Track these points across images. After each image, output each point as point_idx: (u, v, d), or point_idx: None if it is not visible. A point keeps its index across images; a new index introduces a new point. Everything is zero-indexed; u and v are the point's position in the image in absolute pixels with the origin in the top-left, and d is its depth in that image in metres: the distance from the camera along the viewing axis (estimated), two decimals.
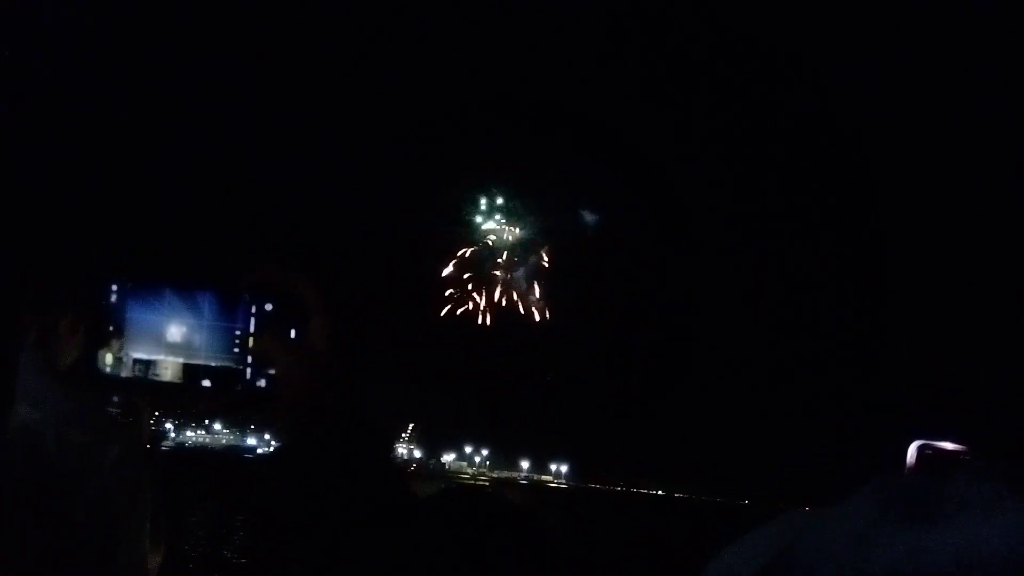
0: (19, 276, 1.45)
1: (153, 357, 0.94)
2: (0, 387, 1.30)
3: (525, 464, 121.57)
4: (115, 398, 1.56)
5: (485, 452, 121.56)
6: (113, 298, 0.94)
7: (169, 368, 0.94)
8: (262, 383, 0.92)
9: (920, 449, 0.72)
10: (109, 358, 0.94)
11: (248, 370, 0.92)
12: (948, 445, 0.71)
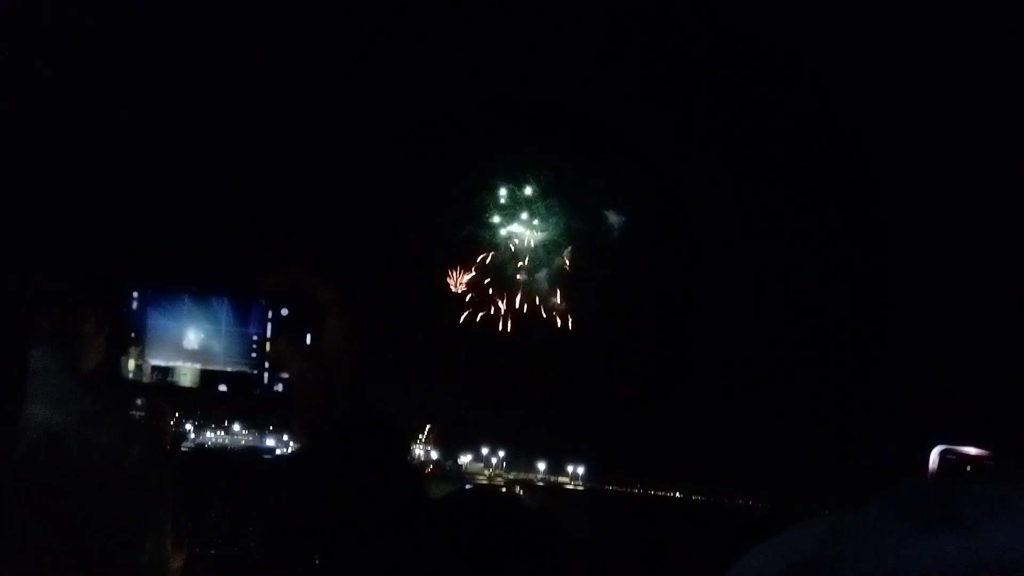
0: (26, 275, 1.46)
1: (172, 363, 0.95)
2: (12, 385, 1.32)
3: (542, 466, 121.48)
4: (138, 401, 1.57)
5: (502, 453, 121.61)
6: (134, 305, 0.95)
7: (188, 374, 0.95)
8: (279, 387, 0.93)
9: (943, 454, 0.70)
10: (132, 364, 0.96)
11: (265, 375, 0.94)
12: (971, 450, 0.70)
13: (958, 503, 0.47)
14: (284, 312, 0.93)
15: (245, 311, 0.94)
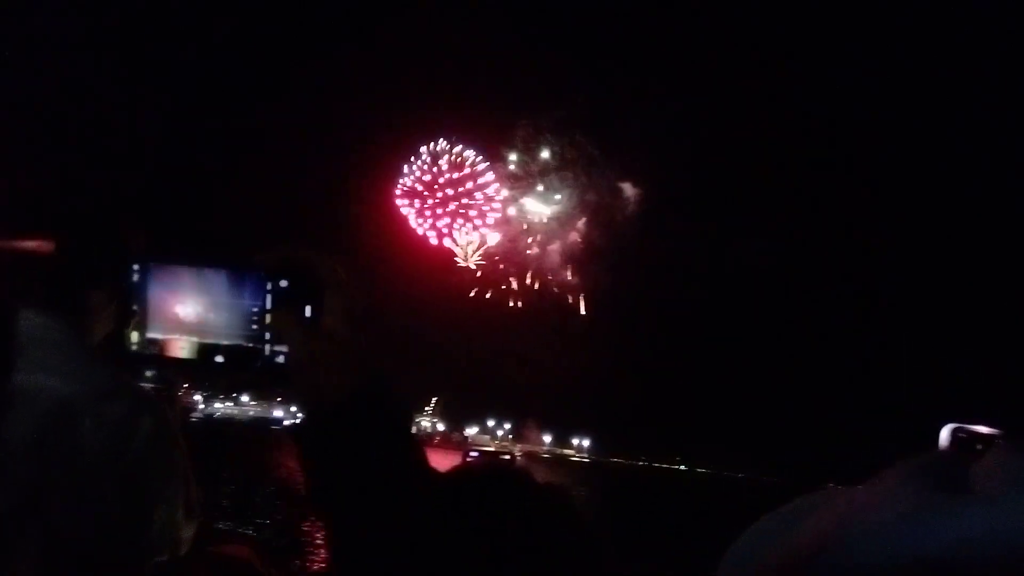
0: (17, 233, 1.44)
1: (172, 336, 0.95)
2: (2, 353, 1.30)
3: (547, 438, 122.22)
4: (147, 373, 1.57)
5: (508, 425, 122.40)
6: (135, 277, 0.95)
7: (187, 346, 0.95)
8: (280, 359, 0.93)
9: (954, 432, 0.70)
10: (136, 336, 0.95)
11: (266, 347, 0.93)
12: (982, 428, 0.69)
13: (976, 474, 0.48)
14: (283, 284, 0.92)
15: (244, 284, 0.93)
